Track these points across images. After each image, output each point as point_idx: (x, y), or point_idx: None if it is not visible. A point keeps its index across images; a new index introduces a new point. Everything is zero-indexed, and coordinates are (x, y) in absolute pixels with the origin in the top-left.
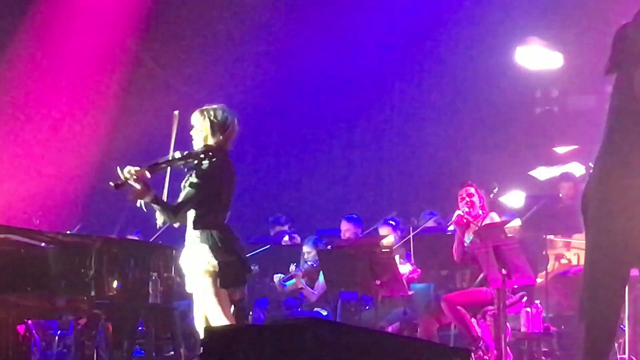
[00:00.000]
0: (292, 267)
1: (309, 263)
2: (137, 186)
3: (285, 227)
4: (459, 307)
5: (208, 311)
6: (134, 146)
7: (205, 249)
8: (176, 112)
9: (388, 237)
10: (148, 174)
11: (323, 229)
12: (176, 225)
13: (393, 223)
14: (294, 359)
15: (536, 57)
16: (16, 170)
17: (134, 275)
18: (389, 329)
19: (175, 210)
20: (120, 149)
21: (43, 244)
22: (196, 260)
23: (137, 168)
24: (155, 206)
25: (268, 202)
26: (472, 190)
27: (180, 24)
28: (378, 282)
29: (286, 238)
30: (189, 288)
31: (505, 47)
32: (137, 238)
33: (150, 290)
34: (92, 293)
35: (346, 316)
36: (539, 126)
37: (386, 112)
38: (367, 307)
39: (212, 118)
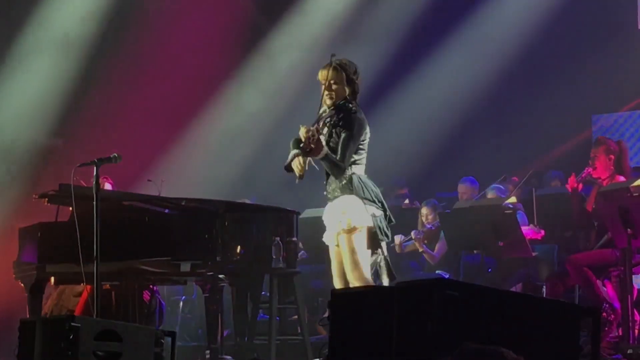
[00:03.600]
0: (412, 233)
1: (428, 225)
2: (314, 144)
3: (405, 190)
4: (585, 268)
5: (348, 268)
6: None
7: (357, 200)
8: (333, 57)
9: (511, 198)
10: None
11: (441, 192)
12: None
13: (502, 187)
14: (422, 319)
15: None
16: (135, 137)
17: (257, 240)
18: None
19: (342, 165)
20: (243, 116)
21: (166, 210)
22: (347, 212)
23: (312, 127)
24: (325, 162)
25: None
26: (600, 150)
27: None
28: (501, 243)
29: (406, 201)
30: (326, 239)
31: None
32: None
33: (273, 255)
34: (216, 258)
35: (468, 278)
36: None
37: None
38: (489, 269)
39: (344, 69)
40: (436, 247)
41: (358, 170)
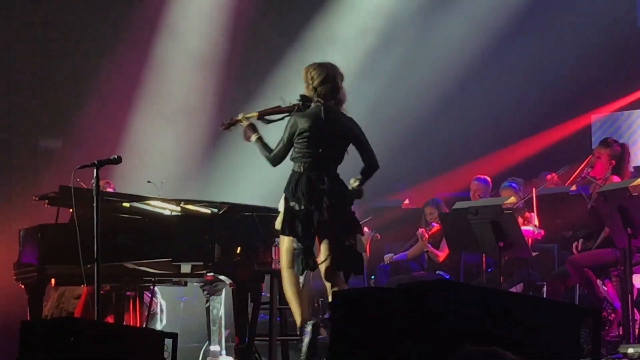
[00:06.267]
0: (418, 232)
1: (433, 224)
2: (244, 126)
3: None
4: (585, 268)
5: None
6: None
7: (283, 197)
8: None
9: (510, 198)
10: (256, 118)
11: (443, 193)
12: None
13: (515, 186)
14: (422, 320)
15: None
16: (138, 140)
17: (258, 241)
18: (513, 291)
19: (269, 156)
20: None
21: (167, 212)
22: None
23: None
24: (258, 147)
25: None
26: (606, 152)
27: None
28: (501, 243)
29: (406, 201)
30: None
31: None
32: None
33: (274, 256)
34: (217, 259)
35: (468, 278)
36: None
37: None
38: (489, 269)
39: (307, 73)
40: (441, 245)
41: (298, 167)
